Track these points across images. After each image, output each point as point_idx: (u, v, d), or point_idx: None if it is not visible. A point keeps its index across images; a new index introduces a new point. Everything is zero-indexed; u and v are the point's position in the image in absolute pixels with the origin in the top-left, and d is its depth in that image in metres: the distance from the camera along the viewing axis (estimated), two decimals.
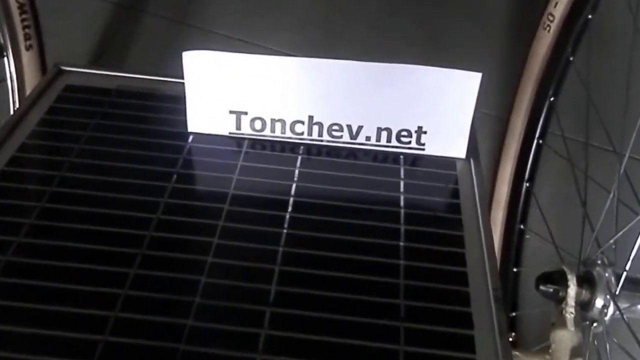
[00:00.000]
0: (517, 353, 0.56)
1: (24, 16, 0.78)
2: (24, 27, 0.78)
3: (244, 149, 0.53)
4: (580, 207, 0.62)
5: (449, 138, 0.53)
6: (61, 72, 0.59)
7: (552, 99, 0.70)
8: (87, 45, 1.14)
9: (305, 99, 0.52)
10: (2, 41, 0.78)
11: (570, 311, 0.54)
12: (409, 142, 0.53)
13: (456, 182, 0.51)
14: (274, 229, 0.46)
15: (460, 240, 0.46)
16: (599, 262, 0.55)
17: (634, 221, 0.55)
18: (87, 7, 1.21)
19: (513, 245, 0.76)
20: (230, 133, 0.54)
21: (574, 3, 0.63)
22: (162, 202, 0.47)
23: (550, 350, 0.54)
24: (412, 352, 0.38)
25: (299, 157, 0.52)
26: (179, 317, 0.39)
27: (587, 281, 0.55)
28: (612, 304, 0.54)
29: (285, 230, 0.46)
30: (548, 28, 0.68)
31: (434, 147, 0.53)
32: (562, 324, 0.54)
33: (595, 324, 0.55)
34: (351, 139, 0.53)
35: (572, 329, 0.53)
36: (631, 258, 0.54)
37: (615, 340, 0.57)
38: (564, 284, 0.55)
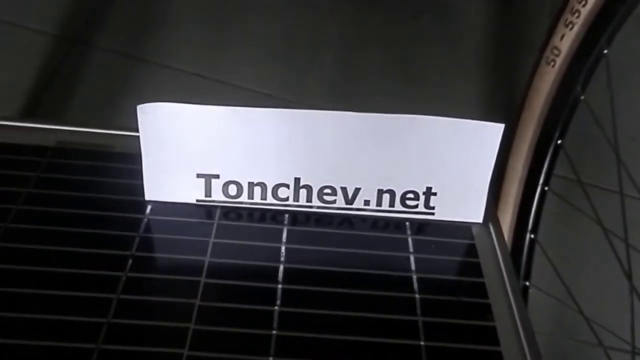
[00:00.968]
0: None
1: None
2: None
3: (216, 220, 0.43)
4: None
5: (463, 200, 0.44)
6: None
7: (559, 141, 0.63)
8: (22, 87, 1.02)
9: (290, 157, 0.43)
10: None
11: None
12: (416, 206, 0.44)
13: (476, 254, 0.43)
14: (259, 330, 0.36)
15: (493, 335, 0.37)
16: None
17: None
18: (21, 40, 1.08)
19: None
20: (198, 201, 0.44)
21: (585, 35, 0.57)
22: (114, 299, 0.37)
23: None
24: None
25: (284, 229, 0.43)
26: None
27: None
28: None
29: (274, 332, 0.36)
30: (552, 63, 0.61)
31: (445, 211, 0.45)
32: None
33: None
34: (346, 204, 0.44)
35: None
36: None
37: None
38: None
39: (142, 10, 1.13)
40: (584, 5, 0.56)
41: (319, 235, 0.43)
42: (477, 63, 1.08)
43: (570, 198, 0.72)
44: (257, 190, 0.43)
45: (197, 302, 0.37)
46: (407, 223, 0.44)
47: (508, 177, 0.67)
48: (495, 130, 0.42)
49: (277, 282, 0.39)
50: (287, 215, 0.44)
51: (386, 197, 0.44)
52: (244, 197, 0.44)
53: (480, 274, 0.41)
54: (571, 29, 0.58)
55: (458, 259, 0.42)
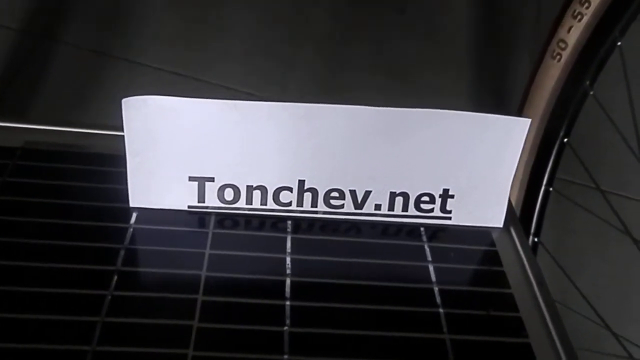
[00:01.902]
0: None
1: None
2: None
3: (211, 229, 0.38)
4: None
5: (482, 203, 0.40)
6: None
7: (565, 139, 0.60)
8: None
9: (294, 157, 0.38)
10: None
11: None
12: (431, 210, 0.40)
13: (499, 263, 0.39)
14: (268, 356, 0.32)
15: (528, 353, 0.33)
16: None
17: None
18: None
19: None
20: (190, 207, 0.39)
21: (596, 27, 0.54)
22: (99, 323, 0.32)
23: None
24: None
25: (288, 238, 0.38)
26: None
27: None
28: None
29: (286, 357, 0.31)
30: (558, 57, 0.58)
31: (462, 215, 0.41)
32: None
33: None
34: (355, 208, 0.40)
35: None
36: None
37: None
38: None
39: (111, 4, 1.07)
40: None
41: (326, 243, 0.38)
42: (463, 58, 1.05)
43: (567, 198, 0.69)
44: (257, 194, 0.39)
45: (195, 323, 0.32)
46: (422, 229, 0.40)
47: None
48: (521, 126, 0.38)
49: (284, 299, 0.34)
50: (290, 222, 0.39)
51: (399, 201, 0.40)
52: (241, 203, 0.39)
53: (506, 284, 0.37)
54: (580, 20, 0.55)
55: (481, 267, 0.38)
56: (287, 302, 0.34)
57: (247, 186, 0.39)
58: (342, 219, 0.40)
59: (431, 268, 0.37)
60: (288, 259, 0.37)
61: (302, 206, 0.39)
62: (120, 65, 0.97)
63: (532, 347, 0.33)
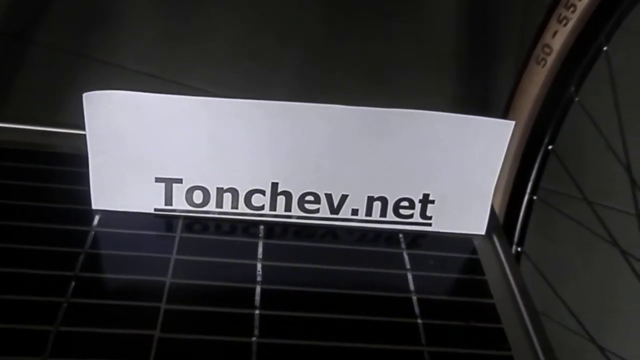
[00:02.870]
0: None
1: None
2: None
3: (179, 233, 0.36)
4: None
5: (464, 209, 0.39)
6: None
7: (549, 146, 0.59)
8: None
9: (267, 159, 0.36)
10: None
11: None
12: (411, 216, 0.39)
13: (482, 271, 0.37)
14: None
15: None
16: None
17: None
18: None
19: None
20: (157, 210, 0.37)
21: (581, 31, 0.53)
22: (52, 333, 0.30)
23: None
24: None
25: (260, 243, 0.36)
26: None
27: None
28: None
29: None
30: (543, 62, 0.57)
31: (443, 221, 0.39)
32: None
33: None
34: (331, 213, 0.38)
35: None
36: None
37: None
38: None
39: (87, 3, 1.04)
40: None
41: (299, 250, 0.37)
42: (447, 63, 1.04)
43: (553, 207, 0.68)
44: (227, 197, 0.37)
45: (157, 333, 0.30)
46: (401, 235, 0.38)
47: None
48: (505, 128, 0.37)
49: (254, 307, 0.32)
50: (262, 227, 0.37)
51: (377, 206, 0.38)
52: (211, 206, 0.37)
53: (488, 294, 0.35)
54: (565, 24, 0.54)
55: (462, 276, 0.37)
56: (257, 311, 0.32)
57: (217, 188, 0.37)
58: (317, 224, 0.38)
59: (410, 276, 0.36)
60: (259, 266, 0.35)
61: (275, 210, 0.37)
62: (95, 67, 0.94)
63: (515, 359, 0.32)
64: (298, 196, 0.37)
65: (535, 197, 0.60)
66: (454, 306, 0.34)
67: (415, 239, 0.38)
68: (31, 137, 0.40)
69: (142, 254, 0.34)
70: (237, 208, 0.37)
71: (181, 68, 0.96)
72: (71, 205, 0.36)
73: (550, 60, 0.56)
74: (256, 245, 0.36)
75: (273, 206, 0.37)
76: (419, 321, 0.33)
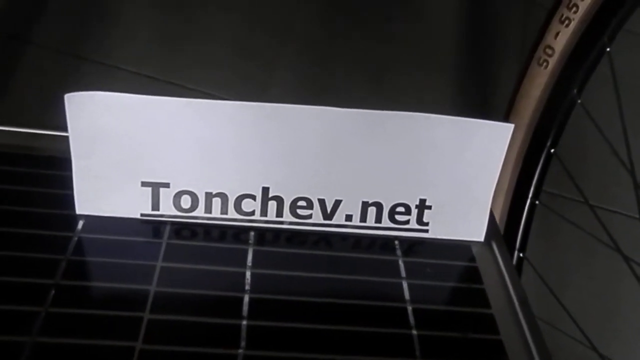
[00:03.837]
0: None
1: None
2: None
3: (165, 239, 0.35)
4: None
5: (462, 215, 0.37)
6: None
7: (552, 149, 0.57)
8: None
9: (258, 162, 0.35)
10: None
11: None
12: (407, 222, 0.37)
13: (480, 280, 0.36)
14: None
15: None
16: None
17: None
18: None
19: None
20: (143, 215, 0.36)
21: (584, 31, 0.51)
22: (29, 343, 0.28)
23: None
24: None
25: (250, 251, 0.35)
26: None
27: None
28: None
29: None
30: (545, 64, 0.56)
31: (440, 228, 0.38)
32: None
33: None
34: (324, 219, 0.37)
35: None
36: None
37: None
38: None
39: (83, 2, 1.03)
40: None
41: (291, 257, 0.35)
42: (447, 66, 1.03)
43: (554, 212, 0.66)
44: (217, 202, 0.36)
45: (139, 344, 0.29)
46: (396, 242, 0.37)
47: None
48: (504, 132, 0.35)
49: (241, 318, 0.31)
50: (252, 234, 0.36)
51: (372, 211, 0.37)
52: (199, 211, 0.36)
53: (487, 303, 0.34)
54: (567, 25, 0.53)
55: (459, 285, 0.35)
56: (244, 322, 0.31)
57: (206, 193, 0.35)
58: (309, 230, 0.37)
59: (405, 285, 0.34)
60: (248, 274, 0.33)
61: (266, 216, 0.36)
62: (93, 68, 0.93)
63: None
64: (290, 201, 0.36)
65: (537, 202, 0.59)
66: (450, 316, 0.33)
67: (412, 246, 0.37)
68: (12, 139, 0.38)
69: (127, 261, 0.33)
70: (226, 213, 0.36)
71: (177, 69, 0.95)
72: (54, 210, 0.35)
73: (553, 61, 0.55)
74: (246, 252, 0.35)
75: (264, 211, 0.36)
76: (414, 332, 0.31)
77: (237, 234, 0.36)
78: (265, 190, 0.36)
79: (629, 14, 0.50)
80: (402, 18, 1.05)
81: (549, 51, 0.55)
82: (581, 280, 0.83)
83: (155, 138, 0.34)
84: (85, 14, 1.02)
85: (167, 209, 0.35)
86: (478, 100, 0.99)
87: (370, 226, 0.37)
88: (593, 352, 0.54)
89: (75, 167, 0.34)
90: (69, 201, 0.35)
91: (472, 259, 0.37)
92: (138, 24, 1.00)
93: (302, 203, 0.36)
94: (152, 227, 0.35)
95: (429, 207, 0.37)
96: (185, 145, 0.34)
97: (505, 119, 0.62)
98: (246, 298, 0.32)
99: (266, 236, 0.36)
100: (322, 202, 0.36)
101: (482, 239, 0.38)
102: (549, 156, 0.58)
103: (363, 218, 0.37)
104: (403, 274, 0.35)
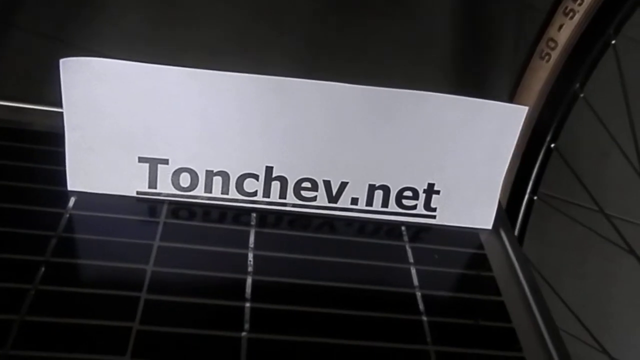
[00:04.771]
0: None
1: None
2: None
3: (163, 218, 0.33)
4: None
5: (470, 201, 0.36)
6: None
7: (552, 144, 0.57)
8: None
9: (261, 140, 0.33)
10: None
11: None
12: (414, 207, 0.36)
13: (489, 267, 0.34)
14: None
15: None
16: None
17: None
18: None
19: None
20: (139, 193, 0.34)
21: (588, 24, 0.51)
22: (16, 322, 0.26)
23: None
24: None
25: (252, 232, 0.34)
26: None
27: None
28: None
29: None
30: (547, 57, 0.55)
31: (448, 214, 0.36)
32: None
33: None
34: (329, 202, 0.35)
35: None
36: None
37: None
38: None
39: None
40: None
41: (295, 240, 0.34)
42: (445, 60, 1.02)
43: (542, 211, 0.66)
44: (217, 181, 0.34)
45: (136, 325, 0.27)
46: (403, 228, 0.36)
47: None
48: (517, 114, 0.34)
49: (244, 300, 0.29)
50: (254, 215, 0.34)
51: (378, 195, 0.36)
52: (199, 190, 0.34)
53: (497, 291, 0.33)
54: (571, 17, 0.52)
55: (468, 272, 0.34)
56: (247, 304, 0.29)
57: (207, 171, 0.34)
58: (313, 213, 0.35)
59: (413, 271, 0.33)
60: (250, 255, 0.32)
61: (268, 197, 0.35)
62: (79, 54, 0.91)
63: None
64: (294, 182, 0.34)
65: (535, 197, 0.58)
66: (461, 303, 0.32)
67: (419, 232, 0.36)
68: (2, 113, 0.36)
69: (121, 239, 0.31)
70: (227, 193, 0.34)
71: (170, 57, 0.93)
72: (44, 186, 0.33)
73: (555, 55, 0.54)
74: (247, 233, 0.33)
75: (267, 192, 0.34)
76: (424, 318, 0.30)
77: (237, 215, 0.34)
78: (269, 169, 0.34)
79: (635, 6, 0.49)
80: (396, 12, 1.05)
81: (551, 44, 0.54)
82: (575, 279, 0.83)
83: (155, 110, 0.32)
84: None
85: (164, 187, 0.34)
86: (477, 95, 0.98)
87: (377, 210, 0.35)
88: (592, 350, 0.53)
89: (68, 139, 0.32)
90: (61, 177, 0.33)
91: (480, 246, 0.35)
92: (126, 9, 0.98)
93: (306, 184, 0.35)
94: (148, 206, 0.33)
95: (437, 192, 0.36)
96: (186, 119, 0.32)
97: None
98: (249, 280, 0.30)
99: (268, 218, 0.34)
100: (327, 183, 0.35)
101: (490, 226, 0.36)
102: (549, 151, 0.57)
103: (369, 202, 0.35)
104: (411, 259, 0.34)
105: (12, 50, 0.91)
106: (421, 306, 0.31)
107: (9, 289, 0.27)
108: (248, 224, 0.34)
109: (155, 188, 0.34)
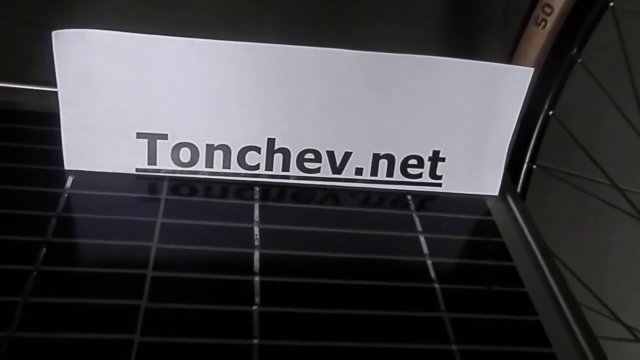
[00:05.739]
0: None
1: None
2: None
3: (164, 195, 0.32)
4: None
5: (476, 167, 0.36)
6: None
7: (550, 112, 0.56)
8: None
9: (262, 111, 0.33)
10: None
11: None
12: (419, 175, 0.35)
13: (498, 233, 0.34)
14: (235, 340, 0.26)
15: (539, 333, 0.29)
16: None
17: None
18: None
19: None
20: (138, 170, 0.33)
21: None
22: (20, 304, 0.26)
23: None
24: None
25: (256, 206, 0.33)
26: None
27: None
28: None
29: (255, 341, 0.26)
30: (543, 23, 0.54)
31: (454, 181, 0.36)
32: None
33: None
34: (334, 173, 0.35)
35: None
36: None
37: None
38: None
39: None
40: None
41: (300, 212, 0.33)
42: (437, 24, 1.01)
43: (542, 183, 0.65)
44: (219, 155, 0.33)
45: (144, 303, 0.26)
46: (409, 197, 0.35)
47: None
48: (522, 76, 0.34)
49: (253, 274, 0.29)
50: (257, 189, 0.34)
51: (383, 164, 0.35)
52: (200, 165, 0.33)
53: (507, 256, 0.32)
54: None
55: (478, 239, 0.34)
56: (257, 278, 0.28)
57: (207, 145, 0.33)
58: (317, 185, 0.34)
59: (422, 239, 0.32)
60: (256, 229, 0.31)
61: (271, 170, 0.34)
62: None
63: (543, 325, 0.29)
64: (297, 154, 0.34)
65: (534, 166, 0.58)
66: (472, 270, 0.31)
67: (425, 201, 0.35)
68: (2, 95, 0.35)
69: (122, 217, 0.30)
70: (229, 168, 0.33)
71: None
72: (41, 166, 0.32)
73: (551, 21, 0.53)
74: (252, 207, 0.32)
75: (269, 165, 0.34)
76: (437, 285, 0.30)
77: (240, 190, 0.33)
78: (271, 141, 0.33)
79: None
80: None
81: (547, 10, 0.53)
82: (571, 252, 0.83)
83: (152, 83, 0.31)
84: None
85: (164, 163, 0.33)
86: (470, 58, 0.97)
87: (382, 180, 0.35)
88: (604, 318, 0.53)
89: (64, 116, 0.31)
90: (57, 157, 0.32)
91: (488, 212, 0.35)
92: None
93: (309, 156, 0.34)
94: (148, 183, 0.32)
95: (443, 160, 0.35)
96: (185, 91, 0.31)
97: None
98: (256, 254, 0.29)
99: (272, 192, 0.34)
100: (330, 154, 0.34)
101: (496, 193, 0.36)
102: (547, 119, 0.57)
103: (374, 172, 0.35)
104: (419, 227, 0.33)
105: None
106: (433, 274, 0.30)
107: (10, 270, 0.27)
108: (252, 197, 0.33)
109: (155, 164, 0.33)
